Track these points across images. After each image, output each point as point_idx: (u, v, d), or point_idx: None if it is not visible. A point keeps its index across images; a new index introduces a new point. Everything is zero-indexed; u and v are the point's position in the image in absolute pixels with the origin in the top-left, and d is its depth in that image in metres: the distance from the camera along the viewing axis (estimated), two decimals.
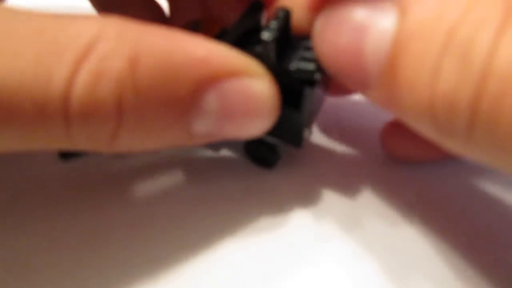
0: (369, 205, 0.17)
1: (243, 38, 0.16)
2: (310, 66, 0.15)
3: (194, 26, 0.17)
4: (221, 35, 0.17)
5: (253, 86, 0.14)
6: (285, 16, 0.16)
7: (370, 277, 0.15)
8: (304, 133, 0.17)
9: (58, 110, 0.12)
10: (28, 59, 0.12)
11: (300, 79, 0.16)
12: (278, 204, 0.17)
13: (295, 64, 0.15)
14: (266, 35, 0.15)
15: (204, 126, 0.14)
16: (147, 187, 0.18)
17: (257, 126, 0.15)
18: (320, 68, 0.15)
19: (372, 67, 0.13)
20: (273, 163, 0.18)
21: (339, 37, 0.13)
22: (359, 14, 0.13)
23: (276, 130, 0.16)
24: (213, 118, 0.14)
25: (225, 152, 0.19)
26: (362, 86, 0.13)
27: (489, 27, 0.11)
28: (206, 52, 0.13)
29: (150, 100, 0.13)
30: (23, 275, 0.15)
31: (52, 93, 0.12)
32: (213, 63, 0.13)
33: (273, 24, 0.15)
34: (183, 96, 0.13)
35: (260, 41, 0.16)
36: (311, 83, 0.15)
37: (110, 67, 0.12)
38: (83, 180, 0.18)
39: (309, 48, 0.16)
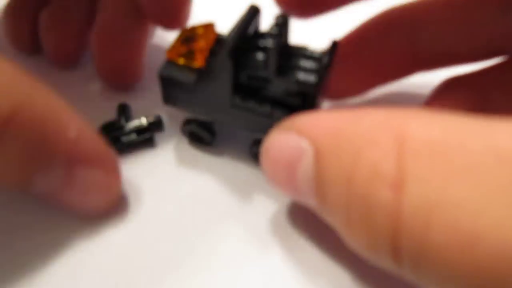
0: None
1: (243, 44, 0.16)
2: (311, 79, 0.15)
3: (188, 37, 0.17)
4: (219, 41, 0.17)
5: (101, 178, 0.15)
6: (284, 22, 0.16)
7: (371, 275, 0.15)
8: None
9: None
10: None
11: (301, 90, 0.16)
12: (277, 202, 0.17)
13: (296, 75, 0.15)
14: (270, 43, 0.15)
15: (43, 187, 0.15)
16: (146, 185, 0.18)
17: (96, 203, 0.16)
18: (319, 80, 0.15)
19: (302, 185, 0.13)
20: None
21: (277, 161, 0.14)
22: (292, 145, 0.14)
23: None
24: (54, 186, 0.15)
25: (226, 151, 0.19)
26: (300, 198, 0.14)
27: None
28: (77, 134, 0.14)
29: (8, 145, 0.13)
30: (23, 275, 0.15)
31: None
32: (78, 148, 0.15)
33: (275, 30, 0.15)
34: (37, 159, 0.14)
35: (259, 48, 0.16)
36: (311, 94, 0.16)
37: None
38: None
39: (308, 57, 0.16)
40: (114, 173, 0.16)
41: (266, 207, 0.17)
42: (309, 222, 0.17)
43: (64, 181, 0.15)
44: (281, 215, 0.17)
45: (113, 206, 0.16)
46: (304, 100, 0.16)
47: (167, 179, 0.18)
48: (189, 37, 0.17)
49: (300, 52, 0.16)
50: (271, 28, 0.15)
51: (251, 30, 0.16)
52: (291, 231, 0.17)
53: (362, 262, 0.13)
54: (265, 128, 0.15)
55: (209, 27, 0.17)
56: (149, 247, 0.16)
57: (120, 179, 0.16)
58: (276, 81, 0.16)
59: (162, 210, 0.17)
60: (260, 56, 0.15)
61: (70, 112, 0.15)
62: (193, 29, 0.17)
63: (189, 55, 0.16)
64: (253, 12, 0.16)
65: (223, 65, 0.15)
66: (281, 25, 0.15)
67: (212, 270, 0.16)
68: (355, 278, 0.15)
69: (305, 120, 0.14)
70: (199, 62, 0.16)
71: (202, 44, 0.16)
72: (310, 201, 0.14)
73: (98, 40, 0.20)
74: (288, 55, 0.16)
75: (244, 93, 0.16)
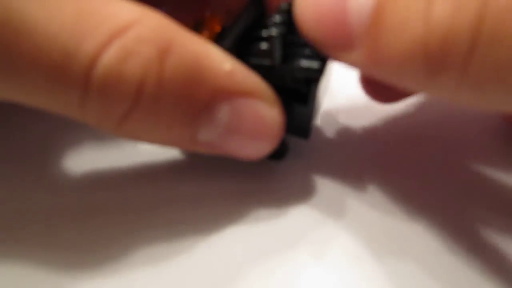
0: (370, 200, 0.17)
1: (246, 35, 0.16)
2: (315, 65, 0.15)
3: (196, 27, 0.17)
4: (222, 33, 0.17)
5: (265, 110, 0.15)
6: (289, 8, 0.16)
7: (371, 273, 0.15)
8: (311, 125, 0.17)
9: (80, 74, 0.12)
10: (69, 16, 0.12)
11: (306, 77, 0.16)
12: (279, 198, 0.17)
13: (300, 62, 0.15)
14: (273, 31, 0.15)
15: (209, 135, 0.15)
16: (147, 182, 0.18)
17: (258, 148, 0.15)
18: (324, 65, 0.15)
19: (356, 25, 0.13)
20: (283, 155, 0.19)
21: (320, 2, 0.13)
22: None
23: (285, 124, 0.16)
24: (220, 131, 0.14)
25: None
26: (344, 48, 0.13)
27: None
28: (232, 67, 0.14)
29: (168, 94, 0.13)
30: (23, 273, 0.15)
31: (80, 55, 0.12)
32: (236, 79, 0.14)
33: (278, 18, 0.15)
34: (199, 101, 0.14)
35: (263, 38, 0.16)
36: (316, 80, 0.16)
37: (140, 49, 0.13)
38: (82, 179, 0.18)
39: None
40: (277, 104, 0.15)
41: (267, 201, 0.17)
42: (309, 218, 0.17)
43: (230, 120, 0.14)
44: (282, 209, 0.17)
45: (276, 145, 0.16)
46: (310, 86, 0.16)
47: (166, 174, 0.18)
48: (194, 28, 0.17)
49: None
50: (275, 17, 0.15)
51: (256, 21, 0.16)
52: (292, 225, 0.16)
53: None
54: None
55: (214, 19, 0.17)
56: (150, 243, 0.16)
57: (282, 111, 0.15)
58: (281, 69, 0.16)
59: (161, 207, 0.17)
60: (264, 45, 0.15)
61: (219, 50, 0.14)
62: (200, 21, 0.17)
63: None
64: (257, 3, 0.16)
65: None
66: (285, 12, 0.15)
67: (211, 264, 0.15)
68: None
69: None
70: None
71: (205, 36, 0.16)
72: (362, 47, 0.13)
73: None
74: (295, 41, 0.16)
75: None
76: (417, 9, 0.11)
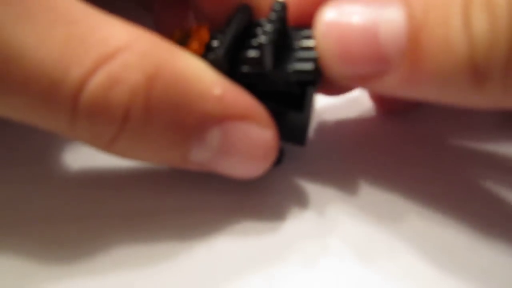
0: (369, 202, 0.17)
1: (237, 43, 0.16)
2: (308, 66, 0.15)
3: (183, 38, 0.17)
4: (212, 42, 0.17)
5: (257, 133, 0.15)
6: (282, 9, 0.15)
7: (367, 279, 0.15)
8: (308, 131, 0.17)
9: (67, 100, 0.13)
10: (57, 42, 0.13)
11: (300, 80, 0.15)
12: (277, 201, 0.17)
13: (293, 66, 0.15)
14: (262, 39, 0.15)
15: (201, 156, 0.15)
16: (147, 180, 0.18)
17: (252, 169, 0.15)
18: (317, 67, 0.15)
19: (392, 49, 0.13)
20: (279, 162, 0.18)
21: (349, 29, 0.14)
22: (364, 9, 0.13)
23: (280, 131, 0.16)
24: (212, 152, 0.14)
25: None
26: (380, 74, 0.14)
27: None
28: (222, 91, 0.14)
29: (156, 119, 0.13)
30: (23, 272, 0.15)
31: (68, 81, 0.13)
32: (226, 103, 0.14)
33: (269, 27, 0.15)
34: (188, 125, 0.14)
35: (253, 46, 0.15)
36: (312, 82, 0.15)
37: (127, 76, 0.13)
38: (83, 179, 0.18)
39: (305, 48, 0.16)
40: (270, 125, 0.15)
41: (265, 204, 0.17)
42: (309, 219, 0.16)
43: (221, 144, 0.14)
44: (280, 212, 0.17)
45: (270, 164, 0.15)
46: (304, 88, 0.16)
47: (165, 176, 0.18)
48: (183, 39, 0.17)
49: (294, 35, 0.16)
50: (266, 25, 0.15)
51: (245, 28, 0.16)
52: (291, 228, 0.16)
53: None
54: None
55: (203, 29, 0.17)
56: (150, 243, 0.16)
57: (276, 132, 0.15)
58: (274, 74, 0.15)
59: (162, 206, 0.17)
60: (253, 53, 0.15)
61: (210, 71, 0.14)
62: (186, 31, 0.17)
63: None
64: (244, 12, 0.16)
65: (217, 69, 0.15)
66: (279, 11, 0.15)
67: (210, 267, 0.15)
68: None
69: None
70: None
71: (195, 47, 0.16)
72: (399, 70, 0.13)
73: None
74: (287, 45, 0.16)
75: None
76: (456, 25, 0.12)
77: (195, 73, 0.14)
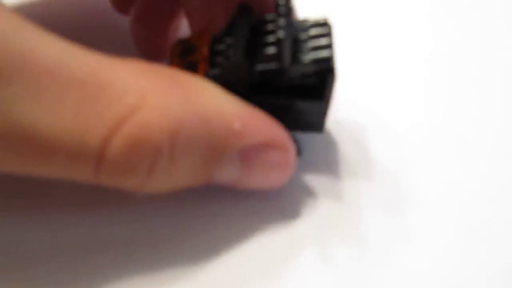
0: (369, 202, 0.17)
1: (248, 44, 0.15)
2: (325, 53, 0.15)
3: (186, 51, 0.16)
4: (213, 44, 0.16)
5: (276, 156, 0.15)
6: (287, 1, 0.15)
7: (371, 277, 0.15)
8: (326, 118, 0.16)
9: (90, 167, 0.13)
10: (68, 111, 0.12)
11: (318, 69, 0.15)
12: (279, 203, 0.17)
13: (309, 56, 0.15)
14: (281, 34, 0.14)
15: (222, 178, 0.15)
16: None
17: (273, 182, 0.16)
18: (333, 52, 0.15)
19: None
20: (297, 155, 0.18)
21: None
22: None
23: (297, 123, 0.16)
24: (233, 177, 0.15)
25: None
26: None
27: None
28: (242, 123, 0.14)
29: (181, 162, 0.14)
30: (24, 272, 0.15)
31: (87, 150, 0.12)
32: (246, 135, 0.14)
33: (282, 21, 0.14)
34: (211, 159, 0.14)
35: (267, 43, 0.15)
36: (331, 69, 0.15)
37: (149, 137, 0.13)
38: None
39: (315, 37, 0.15)
40: (287, 149, 0.15)
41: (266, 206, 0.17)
42: (309, 220, 0.16)
43: (242, 171, 0.15)
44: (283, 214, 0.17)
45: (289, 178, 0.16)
46: (323, 76, 0.15)
47: None
48: (187, 49, 0.16)
49: (304, 26, 0.16)
50: (279, 20, 0.15)
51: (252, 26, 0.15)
52: (291, 229, 0.16)
53: None
54: (286, 118, 0.15)
55: (205, 36, 0.16)
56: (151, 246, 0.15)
57: (293, 152, 0.16)
58: (292, 69, 0.15)
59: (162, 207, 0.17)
60: (271, 49, 0.15)
61: (227, 101, 0.14)
62: (189, 40, 0.16)
63: (192, 67, 0.16)
64: (245, 11, 0.16)
65: (237, 74, 0.15)
66: (286, 14, 0.15)
67: (213, 271, 0.15)
68: None
69: None
70: (200, 73, 0.15)
71: (205, 54, 0.15)
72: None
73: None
74: (297, 36, 0.16)
75: (257, 90, 0.15)
76: None
77: (215, 110, 0.14)
